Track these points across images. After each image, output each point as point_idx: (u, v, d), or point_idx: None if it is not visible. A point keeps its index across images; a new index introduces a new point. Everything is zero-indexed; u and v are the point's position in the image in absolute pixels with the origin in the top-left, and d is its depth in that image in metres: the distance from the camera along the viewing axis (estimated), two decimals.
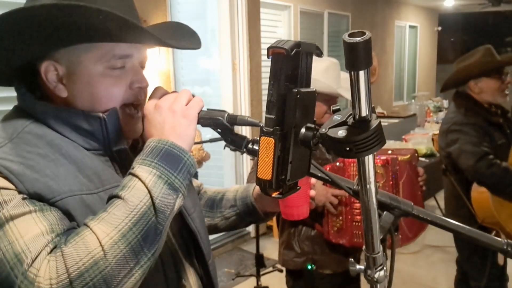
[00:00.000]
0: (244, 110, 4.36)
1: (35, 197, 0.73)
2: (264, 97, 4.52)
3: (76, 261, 0.65)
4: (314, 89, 0.69)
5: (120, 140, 0.88)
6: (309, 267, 1.99)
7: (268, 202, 1.11)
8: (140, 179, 0.74)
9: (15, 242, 0.67)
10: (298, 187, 0.72)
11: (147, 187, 0.73)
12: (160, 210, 0.73)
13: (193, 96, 0.86)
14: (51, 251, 0.67)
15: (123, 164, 0.87)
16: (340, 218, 1.88)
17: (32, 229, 0.69)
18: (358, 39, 0.52)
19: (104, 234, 0.68)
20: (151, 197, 0.72)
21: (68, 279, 0.65)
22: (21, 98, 0.85)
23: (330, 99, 1.95)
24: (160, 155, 0.77)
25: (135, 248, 0.69)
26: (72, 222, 0.75)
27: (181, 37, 0.95)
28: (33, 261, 0.66)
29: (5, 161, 0.73)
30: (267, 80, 0.64)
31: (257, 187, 1.10)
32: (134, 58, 0.86)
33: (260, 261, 3.43)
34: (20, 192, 0.72)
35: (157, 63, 3.54)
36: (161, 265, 0.87)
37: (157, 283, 0.85)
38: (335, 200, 1.83)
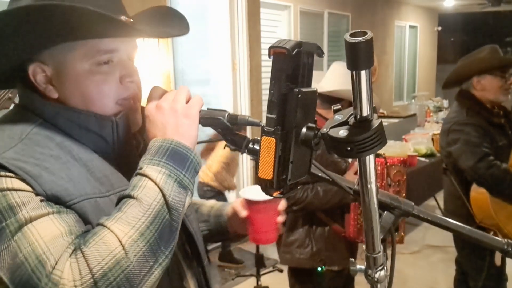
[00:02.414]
0: (244, 110, 4.36)
1: (52, 199, 0.72)
2: (264, 97, 4.53)
3: (99, 261, 0.65)
4: (315, 89, 0.69)
5: (128, 143, 0.88)
6: (319, 269, 2.00)
7: (239, 225, 1.11)
8: (150, 178, 0.74)
9: (35, 244, 0.67)
10: (298, 187, 0.72)
11: (158, 186, 0.73)
12: (173, 208, 0.73)
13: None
14: (72, 253, 0.67)
15: (129, 167, 0.86)
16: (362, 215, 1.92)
17: (52, 230, 0.68)
18: (359, 39, 0.52)
19: (123, 233, 0.68)
20: (164, 196, 0.73)
21: (92, 280, 0.64)
22: (28, 98, 0.84)
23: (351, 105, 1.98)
24: (167, 154, 0.77)
25: (153, 246, 0.70)
26: (87, 225, 0.74)
27: (169, 23, 0.93)
28: (56, 263, 0.65)
29: (18, 162, 0.72)
30: (267, 80, 0.65)
31: (231, 208, 1.12)
32: (121, 51, 0.84)
33: (260, 261, 3.43)
34: (37, 194, 0.71)
35: (157, 63, 3.54)
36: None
37: (162, 285, 0.85)
38: None
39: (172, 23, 0.94)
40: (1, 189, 0.70)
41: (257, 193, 0.98)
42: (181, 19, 0.95)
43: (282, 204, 1.10)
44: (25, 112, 0.83)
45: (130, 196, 0.73)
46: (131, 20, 0.83)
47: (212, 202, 1.21)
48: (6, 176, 0.71)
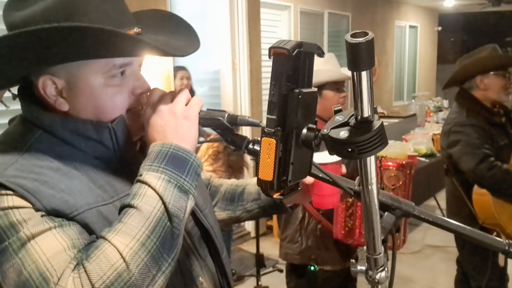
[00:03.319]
0: (244, 110, 4.36)
1: (52, 213, 0.72)
2: (264, 97, 4.52)
3: (100, 275, 0.65)
4: (316, 90, 0.68)
5: (129, 146, 0.88)
6: (312, 268, 2.00)
7: (297, 195, 1.10)
8: (150, 185, 0.73)
9: (38, 261, 0.67)
10: (299, 188, 0.72)
11: (158, 193, 0.73)
12: (174, 214, 0.73)
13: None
14: (75, 268, 0.67)
15: (134, 170, 0.85)
16: (352, 218, 1.90)
17: (54, 246, 0.69)
18: (360, 39, 0.52)
19: (124, 245, 0.68)
20: (164, 203, 0.72)
21: None
22: (27, 110, 0.83)
23: (339, 86, 1.97)
24: (166, 159, 0.76)
25: (155, 255, 0.69)
26: (91, 235, 0.74)
27: (177, 32, 0.92)
28: (58, 280, 0.65)
29: (18, 179, 0.72)
30: (267, 80, 0.64)
31: None
32: (134, 64, 0.85)
33: (260, 261, 3.43)
34: (37, 210, 0.71)
35: (157, 64, 3.54)
36: (178, 267, 0.87)
37: (175, 285, 0.85)
38: None
39: (181, 33, 0.93)
40: (2, 208, 0.70)
41: (325, 157, 0.98)
42: (188, 28, 0.94)
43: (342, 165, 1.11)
44: (26, 124, 0.82)
45: (130, 206, 0.72)
46: (140, 29, 0.83)
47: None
48: (6, 195, 0.71)
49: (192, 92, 3.84)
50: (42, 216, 0.71)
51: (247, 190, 1.17)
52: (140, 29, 0.83)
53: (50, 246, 0.68)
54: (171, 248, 0.72)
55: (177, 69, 3.80)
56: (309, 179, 1.04)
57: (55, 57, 0.76)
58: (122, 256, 0.67)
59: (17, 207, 0.70)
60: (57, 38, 0.70)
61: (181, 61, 4.36)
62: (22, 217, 0.70)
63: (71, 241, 0.70)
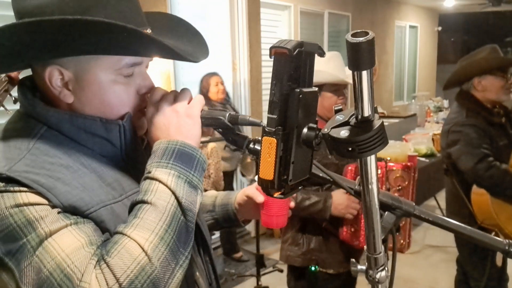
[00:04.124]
0: (244, 110, 4.36)
1: (69, 210, 0.72)
2: (264, 97, 4.53)
3: (124, 269, 0.66)
4: (316, 89, 0.69)
5: (135, 144, 0.88)
6: (313, 268, 1.99)
7: (250, 211, 1.13)
8: (161, 181, 0.74)
9: (58, 258, 0.67)
10: (299, 187, 0.72)
11: (170, 189, 0.73)
12: (187, 209, 0.73)
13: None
14: (96, 264, 0.67)
15: (139, 168, 0.85)
16: (356, 221, 1.91)
17: (72, 242, 0.68)
18: (361, 39, 0.52)
19: (144, 239, 0.68)
20: (177, 198, 0.73)
21: None
22: (29, 104, 0.81)
23: (338, 89, 1.96)
24: (174, 156, 0.76)
25: (173, 249, 0.70)
26: (105, 233, 0.74)
27: (184, 37, 0.92)
28: (82, 276, 0.65)
29: (30, 174, 0.71)
30: (267, 80, 0.65)
31: (239, 196, 1.14)
32: (143, 64, 0.85)
33: (260, 261, 3.43)
34: (53, 207, 0.71)
35: (157, 63, 3.53)
36: None
37: None
38: (354, 212, 1.87)
39: (188, 39, 0.93)
40: (17, 205, 0.69)
41: None
42: (197, 35, 0.95)
43: None
44: (28, 120, 0.81)
45: (144, 202, 0.72)
46: (151, 30, 0.83)
47: (214, 192, 1.22)
48: (20, 191, 0.70)
49: (226, 95, 3.83)
50: (58, 213, 0.71)
51: (202, 202, 1.17)
52: (151, 31, 0.83)
53: (68, 243, 0.68)
54: (186, 241, 0.73)
55: (210, 75, 3.78)
56: (259, 198, 1.09)
57: (71, 49, 0.75)
58: (143, 250, 0.67)
59: (33, 204, 0.69)
60: (77, 30, 0.70)
61: (180, 62, 4.35)
62: (39, 214, 0.69)
63: (88, 237, 0.70)
